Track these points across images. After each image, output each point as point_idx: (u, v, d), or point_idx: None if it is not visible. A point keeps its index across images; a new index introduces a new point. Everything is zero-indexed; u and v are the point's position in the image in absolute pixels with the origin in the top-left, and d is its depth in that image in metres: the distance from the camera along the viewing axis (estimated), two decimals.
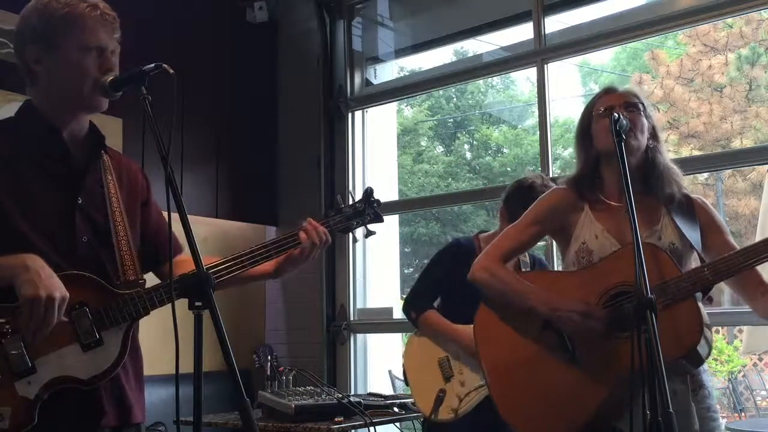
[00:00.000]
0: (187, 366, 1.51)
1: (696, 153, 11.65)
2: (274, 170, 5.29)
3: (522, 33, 4.57)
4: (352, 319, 4.97)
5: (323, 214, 2.04)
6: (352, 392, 4.62)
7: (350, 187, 4.99)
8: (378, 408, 3.55)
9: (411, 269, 15.98)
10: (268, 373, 4.12)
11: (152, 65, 1.66)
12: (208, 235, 4.82)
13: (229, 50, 5.09)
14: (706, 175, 12.45)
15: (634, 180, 2.09)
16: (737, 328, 10.23)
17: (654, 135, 2.24)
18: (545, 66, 4.33)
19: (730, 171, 12.04)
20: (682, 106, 12.91)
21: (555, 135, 13.52)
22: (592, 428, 2.07)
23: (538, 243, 2.44)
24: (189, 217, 1.57)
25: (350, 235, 2.10)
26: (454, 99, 18.44)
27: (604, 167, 2.24)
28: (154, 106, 1.63)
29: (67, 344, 1.68)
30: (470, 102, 18.69)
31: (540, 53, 4.34)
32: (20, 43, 1.80)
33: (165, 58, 1.73)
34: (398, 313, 4.72)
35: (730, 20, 11.68)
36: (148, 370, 1.92)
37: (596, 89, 3.27)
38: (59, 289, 1.62)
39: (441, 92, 16.64)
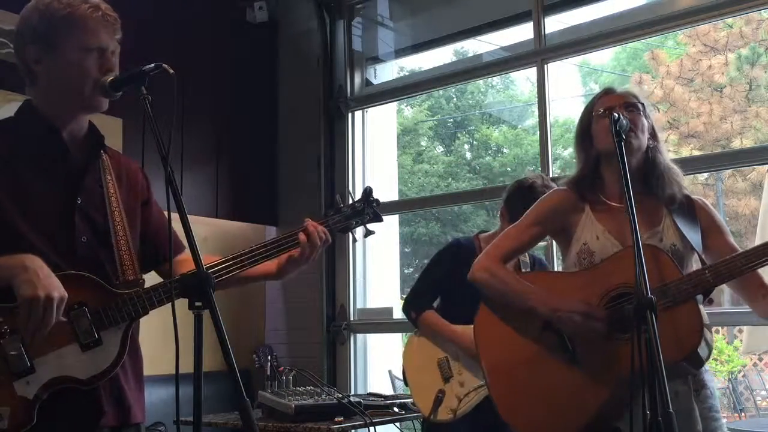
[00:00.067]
0: (187, 366, 1.51)
1: (696, 153, 11.65)
2: (274, 170, 5.29)
3: (522, 33, 4.57)
4: (352, 319, 4.97)
5: (323, 214, 2.04)
6: (352, 392, 4.62)
7: (350, 187, 4.99)
8: (378, 408, 3.55)
9: (411, 269, 15.98)
10: (268, 373, 4.12)
11: (152, 65, 1.67)
12: (208, 235, 4.82)
13: (229, 50, 5.09)
14: (706, 175, 12.46)
15: (634, 180, 2.09)
16: (737, 328, 10.23)
17: (653, 135, 2.25)
18: (545, 66, 4.33)
19: (730, 171, 12.04)
20: (682, 106, 12.92)
21: (555, 135, 13.52)
22: (592, 429, 2.07)
23: (539, 243, 2.45)
24: (189, 217, 1.57)
25: (349, 234, 2.10)
26: (454, 99, 18.45)
27: (605, 168, 2.24)
28: (154, 106, 1.63)
29: (66, 344, 1.68)
30: (470, 102, 18.69)
31: (540, 53, 4.34)
32: (20, 43, 1.80)
33: (165, 58, 1.73)
34: (398, 313, 4.72)
35: (730, 20, 11.68)
36: (148, 370, 1.92)
37: (596, 89, 3.28)
38: (57, 289, 1.62)
39: (441, 92, 16.65)
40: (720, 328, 9.64)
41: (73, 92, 1.77)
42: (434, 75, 5.08)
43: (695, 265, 2.19)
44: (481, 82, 16.46)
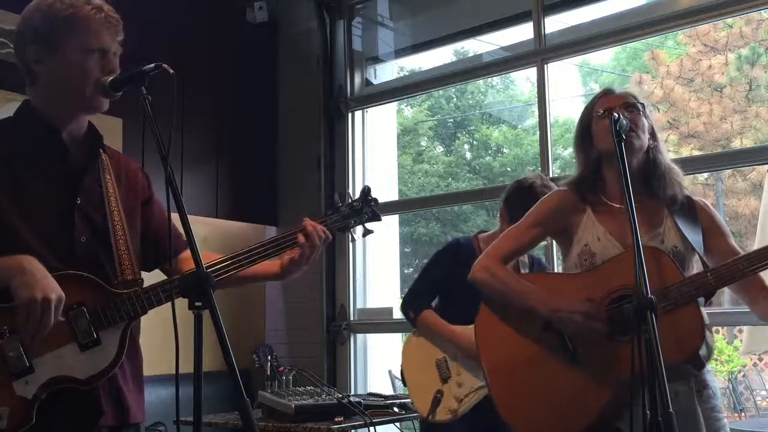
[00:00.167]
0: (187, 366, 1.51)
1: (696, 153, 11.65)
2: (274, 170, 5.29)
3: (522, 33, 4.57)
4: (352, 319, 4.97)
5: (323, 214, 2.04)
6: (352, 392, 4.62)
7: (350, 187, 4.99)
8: (378, 408, 3.55)
9: (411, 269, 15.97)
10: (268, 373, 4.12)
11: (152, 65, 1.67)
12: (208, 235, 4.82)
13: (229, 50, 5.09)
14: (706, 175, 12.46)
15: (635, 181, 2.09)
16: (737, 328, 10.23)
17: (653, 135, 2.24)
18: (545, 66, 4.33)
19: (730, 171, 12.04)
20: (682, 106, 12.91)
21: (555, 135, 13.52)
22: (594, 430, 2.07)
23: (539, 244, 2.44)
24: (189, 217, 1.57)
25: (348, 234, 2.09)
26: (454, 99, 18.45)
27: (606, 169, 2.24)
28: (154, 106, 1.64)
29: (64, 344, 1.68)
30: (470, 102, 18.70)
31: (540, 53, 4.34)
32: (21, 43, 1.80)
33: (165, 58, 1.73)
34: (398, 313, 4.73)
35: (730, 20, 11.68)
36: (148, 370, 1.92)
37: (596, 89, 3.27)
38: (55, 291, 1.62)
39: (441, 92, 16.65)
40: (720, 328, 9.64)
41: (73, 93, 1.77)
42: (434, 75, 5.08)
43: (696, 266, 2.19)
44: (481, 82, 16.46)
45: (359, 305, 5.02)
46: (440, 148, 18.74)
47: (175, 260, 1.95)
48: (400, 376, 3.33)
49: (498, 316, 2.26)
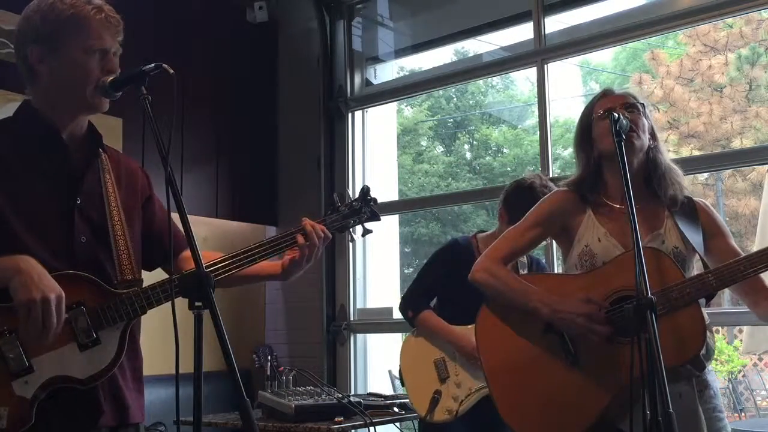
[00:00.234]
0: (187, 366, 1.51)
1: (696, 153, 11.65)
2: (274, 170, 5.29)
3: (522, 33, 4.57)
4: (352, 319, 4.97)
5: (322, 214, 2.04)
6: (352, 392, 4.62)
7: (350, 188, 4.99)
8: (378, 408, 3.55)
9: (411, 269, 15.96)
10: (268, 373, 4.12)
11: (152, 65, 1.67)
12: (208, 235, 4.82)
13: (229, 50, 5.09)
14: (706, 175, 12.45)
15: (636, 182, 2.09)
16: (737, 328, 10.23)
17: (653, 135, 2.24)
18: (545, 66, 4.33)
19: (730, 171, 12.04)
20: (682, 106, 12.91)
21: (555, 135, 13.51)
22: (594, 431, 2.07)
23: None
24: (189, 217, 1.57)
25: (347, 234, 2.09)
26: (454, 99, 18.44)
27: (607, 169, 2.24)
28: (154, 106, 1.64)
29: (64, 344, 1.68)
30: (470, 102, 18.69)
31: (540, 53, 4.34)
32: (22, 43, 1.80)
33: (165, 58, 1.73)
34: (398, 313, 4.73)
35: (730, 20, 11.68)
36: (148, 370, 1.92)
37: (596, 89, 3.27)
38: (53, 290, 1.61)
39: (441, 92, 16.64)
40: (720, 328, 9.64)
41: (74, 93, 1.77)
42: (434, 75, 5.08)
43: (696, 266, 2.19)
44: (481, 82, 16.46)
45: (359, 305, 5.02)
46: (440, 148, 18.74)
47: (176, 259, 1.95)
48: (398, 376, 3.33)
49: (499, 317, 2.25)
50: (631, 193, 1.91)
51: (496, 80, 17.90)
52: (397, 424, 3.63)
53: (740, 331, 10.20)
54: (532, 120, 17.03)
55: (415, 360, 3.21)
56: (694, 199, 2.27)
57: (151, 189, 2.00)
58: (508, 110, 18.79)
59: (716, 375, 2.25)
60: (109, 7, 1.81)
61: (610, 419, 2.05)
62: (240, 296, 4.89)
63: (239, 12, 5.16)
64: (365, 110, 5.23)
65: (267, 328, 5.23)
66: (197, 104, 4.64)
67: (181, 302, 1.57)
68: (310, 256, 1.94)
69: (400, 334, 5.49)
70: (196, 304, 1.50)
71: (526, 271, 3.17)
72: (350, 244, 4.98)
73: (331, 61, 5.21)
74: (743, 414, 9.61)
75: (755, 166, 10.24)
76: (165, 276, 1.79)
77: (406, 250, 16.37)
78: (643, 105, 2.25)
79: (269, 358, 4.36)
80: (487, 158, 18.27)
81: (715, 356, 2.23)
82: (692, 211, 2.23)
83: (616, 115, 2.05)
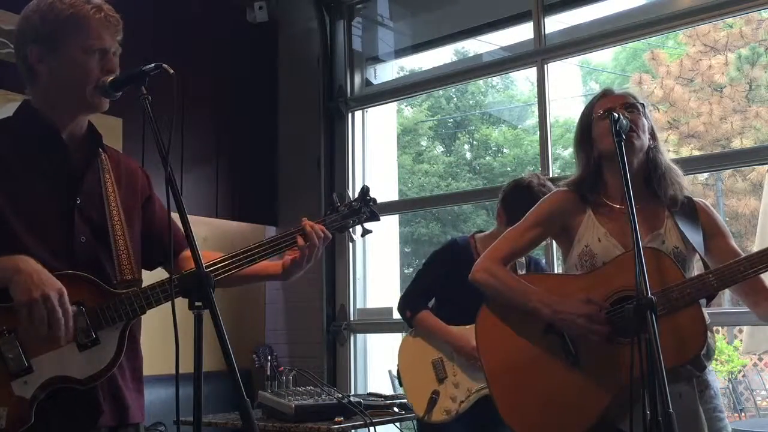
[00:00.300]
0: (187, 366, 1.51)
1: (696, 153, 11.64)
2: (274, 170, 5.29)
3: (522, 33, 4.57)
4: (352, 319, 4.97)
5: (322, 214, 2.04)
6: (352, 392, 4.61)
7: (350, 188, 4.99)
8: (378, 408, 3.55)
9: (411, 269, 15.95)
10: (268, 373, 4.12)
11: (152, 65, 1.66)
12: (208, 235, 4.82)
13: (229, 50, 5.09)
14: (706, 175, 12.45)
15: (636, 182, 2.09)
16: (737, 328, 10.23)
17: (653, 135, 2.24)
18: (545, 66, 4.33)
19: (730, 171, 12.03)
20: (682, 106, 12.91)
21: (555, 135, 13.51)
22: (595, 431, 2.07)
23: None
24: (189, 217, 1.57)
25: (347, 234, 2.09)
26: (454, 99, 18.44)
27: (607, 169, 2.24)
28: (154, 106, 1.64)
29: (60, 345, 1.68)
30: (470, 102, 18.68)
31: (540, 53, 4.34)
32: (21, 43, 1.80)
33: (165, 58, 1.73)
34: (398, 313, 4.74)
35: (730, 20, 11.67)
36: (148, 370, 1.92)
37: (596, 89, 3.27)
38: (53, 286, 1.61)
39: (441, 92, 16.64)
40: (720, 328, 9.64)
41: (74, 92, 1.77)
42: (434, 75, 5.08)
43: (697, 266, 2.19)
44: (481, 82, 16.46)
45: (359, 305, 5.02)
46: (440, 148, 18.73)
47: (176, 259, 1.95)
48: (396, 376, 3.33)
49: (499, 317, 2.25)
50: (631, 193, 1.91)
51: (496, 80, 17.90)
52: (397, 424, 3.63)
53: (740, 331, 10.20)
54: (532, 120, 17.03)
55: (413, 360, 3.21)
56: (694, 199, 2.27)
57: (151, 189, 2.00)
58: (508, 110, 18.79)
59: (716, 375, 2.25)
60: (108, 7, 1.81)
61: (611, 419, 2.05)
62: (240, 296, 4.89)
63: (239, 12, 5.16)
64: (365, 110, 5.23)
65: (267, 328, 5.23)
66: (197, 104, 4.64)
67: (181, 302, 1.57)
68: (311, 257, 1.94)
69: (400, 334, 5.49)
70: (196, 304, 1.50)
71: (524, 272, 3.17)
72: (350, 244, 4.98)
73: (331, 61, 5.21)
74: (743, 414, 9.61)
75: (755, 166, 10.24)
76: (165, 276, 1.79)
77: (406, 250, 16.36)
78: (642, 105, 2.25)
79: (269, 358, 4.37)
80: (487, 158, 18.26)
81: (715, 356, 2.23)
82: (692, 211, 2.22)
83: (616, 115, 2.05)
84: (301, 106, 5.24)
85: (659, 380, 1.64)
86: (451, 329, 3.10)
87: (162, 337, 1.79)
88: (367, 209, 2.03)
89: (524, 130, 17.79)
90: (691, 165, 4.04)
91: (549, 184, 3.08)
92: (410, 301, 3.26)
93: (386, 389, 4.89)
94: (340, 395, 3.53)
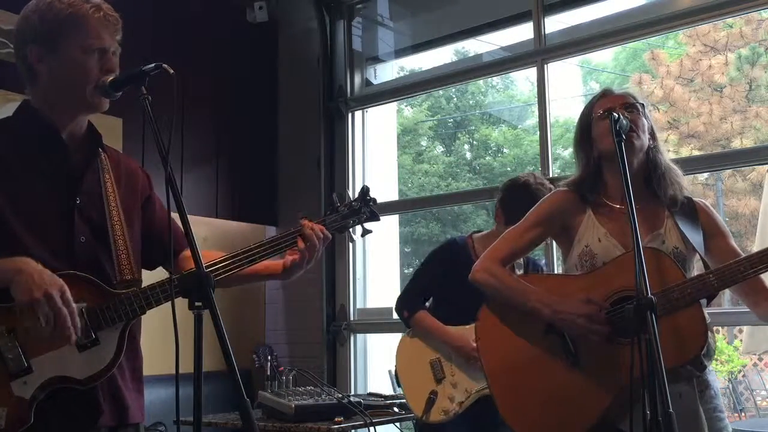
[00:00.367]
0: (187, 366, 1.51)
1: (696, 153, 11.64)
2: (274, 170, 5.29)
3: (522, 33, 4.57)
4: (352, 319, 4.97)
5: (321, 215, 2.04)
6: (352, 392, 4.61)
7: (350, 188, 4.99)
8: (378, 408, 3.55)
9: (411, 269, 15.95)
10: (268, 373, 4.12)
11: (152, 65, 1.66)
12: (208, 235, 4.82)
13: (229, 50, 5.09)
14: (706, 175, 12.44)
15: (636, 182, 2.09)
16: (737, 328, 10.23)
17: (653, 135, 2.24)
18: (545, 66, 4.33)
19: (730, 171, 12.03)
20: (682, 106, 12.90)
21: (555, 135, 13.50)
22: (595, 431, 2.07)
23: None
24: (189, 217, 1.57)
25: (346, 234, 2.09)
26: (454, 99, 18.43)
27: (607, 170, 2.24)
28: (154, 106, 1.63)
29: (63, 344, 1.68)
30: (470, 102, 18.68)
31: (540, 53, 4.34)
32: (21, 43, 1.80)
33: (165, 58, 1.73)
34: (395, 314, 4.74)
35: (730, 20, 11.67)
36: (148, 370, 1.92)
37: (596, 89, 3.27)
38: (54, 284, 1.61)
39: (441, 92, 16.64)
40: (720, 328, 9.64)
41: (73, 92, 1.77)
42: (434, 75, 5.07)
43: (697, 266, 2.19)
44: (481, 82, 16.46)
45: (359, 305, 5.01)
46: (440, 148, 18.73)
47: (176, 259, 1.95)
48: (394, 377, 3.32)
49: (499, 317, 2.25)
50: (631, 193, 1.91)
51: (496, 80, 17.89)
52: (397, 424, 3.63)
53: (740, 331, 10.20)
54: (532, 120, 17.03)
55: (411, 360, 3.21)
56: (694, 199, 2.27)
57: (151, 189, 2.00)
58: (508, 110, 18.78)
59: (716, 375, 2.25)
60: (107, 6, 1.81)
61: (611, 420, 2.05)
62: (240, 296, 4.89)
63: (239, 12, 5.16)
64: (365, 110, 5.23)
65: (267, 328, 5.23)
66: (197, 104, 4.64)
67: (181, 302, 1.57)
68: (311, 258, 1.94)
69: (400, 334, 5.50)
70: (196, 304, 1.50)
71: (522, 272, 3.17)
72: (350, 245, 4.98)
73: (331, 61, 5.21)
74: (743, 414, 9.61)
75: (755, 166, 10.24)
76: (165, 276, 1.79)
77: (406, 250, 16.36)
78: (642, 105, 2.25)
79: (269, 358, 4.37)
80: (487, 158, 18.26)
81: (715, 356, 2.23)
82: (692, 211, 2.22)
83: (616, 115, 2.05)
84: (301, 106, 5.24)
85: (659, 380, 1.64)
86: (449, 329, 3.09)
87: (162, 337, 1.79)
88: (367, 209, 2.03)
89: (524, 130, 17.79)
90: (691, 165, 4.04)
91: (546, 182, 3.09)
92: (407, 301, 3.25)
93: (386, 389, 4.89)
94: (340, 395, 3.53)
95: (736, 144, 11.89)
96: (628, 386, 1.85)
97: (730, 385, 10.15)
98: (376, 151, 5.27)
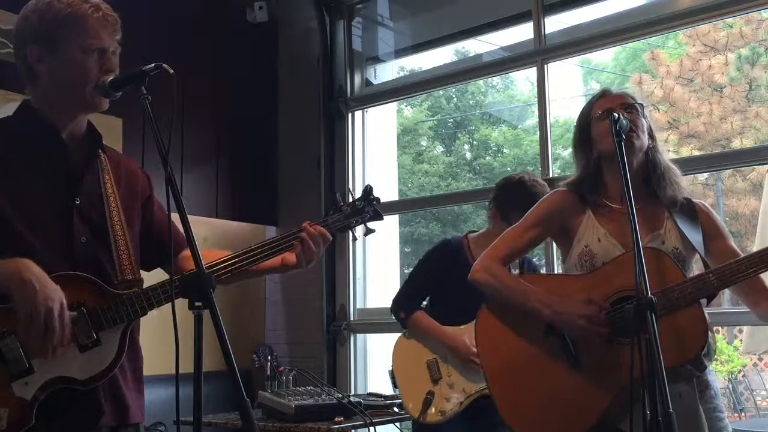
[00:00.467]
0: (187, 366, 1.51)
1: (696, 153, 11.64)
2: (274, 170, 5.29)
3: (522, 33, 4.57)
4: (352, 319, 4.97)
5: (324, 214, 2.04)
6: (352, 392, 4.61)
7: (350, 188, 4.99)
8: (378, 408, 3.55)
9: (411, 269, 15.95)
10: (268, 373, 4.12)
11: (152, 65, 1.66)
12: (208, 235, 4.82)
13: (229, 50, 5.09)
14: (706, 175, 12.44)
15: (635, 182, 2.09)
16: (737, 328, 10.23)
17: (652, 135, 2.25)
18: (545, 66, 4.33)
19: (730, 171, 12.03)
20: (682, 106, 12.90)
21: (555, 135, 13.49)
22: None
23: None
24: (189, 217, 1.57)
25: (349, 233, 2.09)
26: (454, 99, 18.43)
27: (606, 170, 2.24)
28: (154, 106, 1.63)
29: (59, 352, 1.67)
30: (470, 102, 18.68)
31: (540, 53, 4.34)
32: (20, 43, 1.80)
33: (164, 58, 1.73)
34: (392, 315, 4.74)
35: (730, 20, 11.66)
36: (148, 370, 1.92)
37: (596, 89, 3.26)
38: (56, 299, 1.61)
39: (441, 92, 16.63)
40: (720, 328, 9.64)
41: (73, 92, 1.77)
42: (434, 75, 5.07)
43: (696, 266, 2.19)
44: (481, 82, 16.46)
45: (359, 305, 5.01)
46: (440, 148, 18.72)
47: (176, 259, 1.95)
48: (391, 377, 3.32)
49: (499, 318, 2.25)
50: (631, 193, 1.91)
51: (496, 80, 17.89)
52: (397, 424, 3.63)
53: (740, 331, 10.20)
54: (532, 120, 17.03)
55: (408, 361, 3.20)
56: (694, 200, 2.27)
57: (151, 189, 2.00)
58: (508, 110, 18.78)
59: (716, 375, 2.25)
60: (106, 6, 1.81)
61: (611, 420, 2.05)
62: (240, 295, 4.89)
63: (239, 12, 5.16)
64: (365, 110, 5.23)
65: (267, 328, 5.23)
66: (197, 104, 4.64)
67: (181, 302, 1.57)
68: (310, 260, 1.95)
69: (399, 335, 5.50)
70: (196, 304, 1.50)
71: (517, 271, 3.17)
72: (350, 244, 4.97)
73: (331, 61, 5.21)
74: (743, 414, 9.61)
75: (755, 166, 10.24)
76: (165, 276, 1.79)
77: (406, 250, 16.35)
78: (641, 105, 2.25)
79: (269, 358, 4.36)
80: (487, 158, 18.26)
81: (715, 356, 2.23)
82: (692, 211, 2.23)
83: (616, 115, 2.05)
84: (301, 106, 5.24)
85: (659, 380, 1.64)
86: (446, 330, 3.09)
87: (162, 337, 1.79)
88: (371, 208, 2.03)
89: (524, 130, 17.79)
90: (691, 165, 4.05)
91: (541, 180, 3.09)
92: (404, 302, 3.25)
93: (386, 389, 4.88)
94: (340, 395, 3.53)
95: (736, 144, 11.89)
96: (628, 386, 1.85)
97: (730, 385, 10.15)
98: (376, 151, 5.27)
